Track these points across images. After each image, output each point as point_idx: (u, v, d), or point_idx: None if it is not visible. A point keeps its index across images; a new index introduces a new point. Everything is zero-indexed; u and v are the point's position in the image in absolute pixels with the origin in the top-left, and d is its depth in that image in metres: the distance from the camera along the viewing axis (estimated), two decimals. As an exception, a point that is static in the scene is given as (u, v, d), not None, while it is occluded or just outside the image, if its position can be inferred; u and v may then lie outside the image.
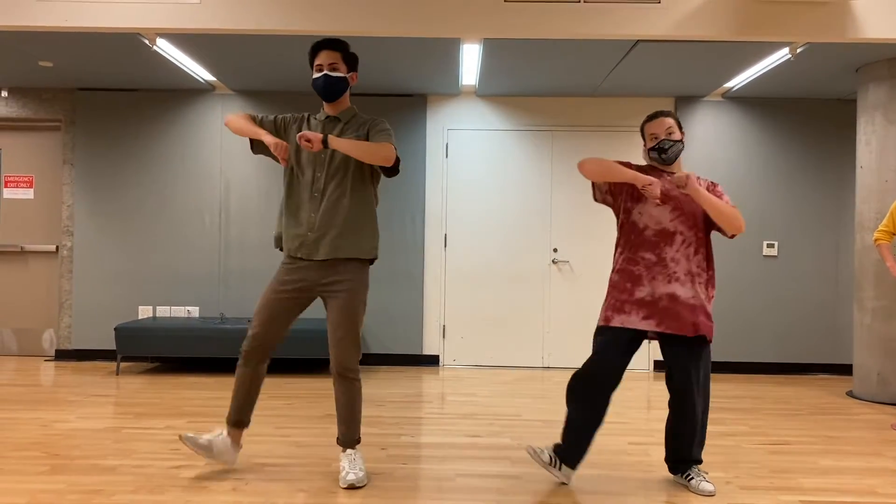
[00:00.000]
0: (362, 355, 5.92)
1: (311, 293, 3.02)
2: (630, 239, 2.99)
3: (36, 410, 4.21)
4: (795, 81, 5.43)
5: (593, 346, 3.00)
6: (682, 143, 2.99)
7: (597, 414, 2.97)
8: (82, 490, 2.84)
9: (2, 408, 4.27)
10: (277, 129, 3.08)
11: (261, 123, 3.06)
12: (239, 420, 3.08)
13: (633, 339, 2.95)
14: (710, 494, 2.90)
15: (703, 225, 2.96)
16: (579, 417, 2.98)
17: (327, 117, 3.04)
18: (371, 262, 3.06)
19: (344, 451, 3.02)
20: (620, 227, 3.05)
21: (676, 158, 2.99)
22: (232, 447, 3.09)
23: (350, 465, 2.97)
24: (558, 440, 3.05)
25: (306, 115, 3.10)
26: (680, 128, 3.01)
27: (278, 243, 3.10)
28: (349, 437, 3.01)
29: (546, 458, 2.99)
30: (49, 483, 2.92)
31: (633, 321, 2.91)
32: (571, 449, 3.00)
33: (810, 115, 6.00)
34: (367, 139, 2.97)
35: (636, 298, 2.92)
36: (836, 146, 6.00)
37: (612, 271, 3.04)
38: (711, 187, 3.02)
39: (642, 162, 6.02)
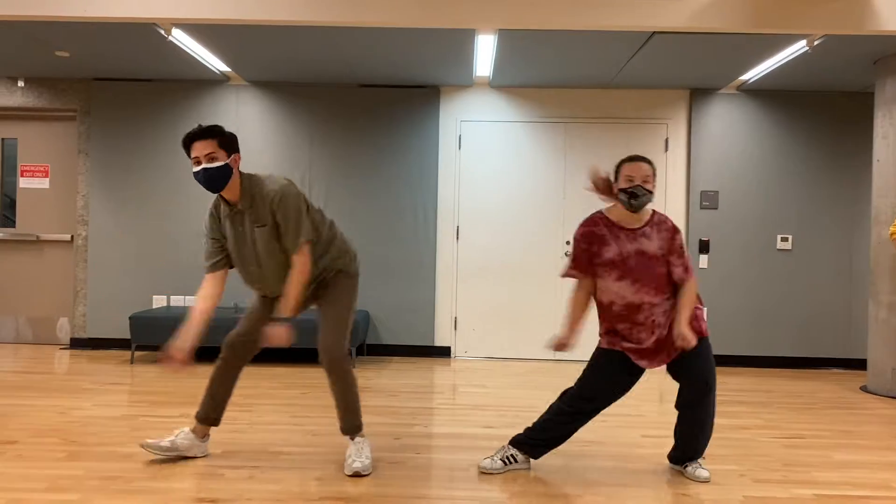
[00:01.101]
0: (374, 346, 6.00)
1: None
2: (603, 310, 3.01)
3: (52, 398, 4.26)
4: (812, 74, 5.39)
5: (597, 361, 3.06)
6: (652, 195, 2.89)
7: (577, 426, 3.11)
8: (101, 476, 2.88)
9: (19, 395, 4.32)
10: (217, 237, 3.05)
11: (210, 249, 3.06)
12: (215, 418, 3.13)
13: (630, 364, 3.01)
14: (706, 480, 2.97)
15: (664, 279, 2.92)
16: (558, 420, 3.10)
17: (231, 210, 2.99)
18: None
19: (352, 438, 3.05)
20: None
21: (643, 207, 2.91)
22: (198, 441, 3.13)
23: (356, 454, 2.99)
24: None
25: (212, 209, 3.07)
26: (654, 178, 2.92)
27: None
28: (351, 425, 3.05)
29: (498, 465, 3.06)
30: (68, 469, 2.96)
31: (635, 359, 2.97)
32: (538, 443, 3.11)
33: (826, 108, 5.95)
34: (274, 221, 2.92)
35: (627, 347, 2.96)
36: (852, 139, 5.95)
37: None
38: (672, 236, 2.94)
39: (648, 153, 5.99)
